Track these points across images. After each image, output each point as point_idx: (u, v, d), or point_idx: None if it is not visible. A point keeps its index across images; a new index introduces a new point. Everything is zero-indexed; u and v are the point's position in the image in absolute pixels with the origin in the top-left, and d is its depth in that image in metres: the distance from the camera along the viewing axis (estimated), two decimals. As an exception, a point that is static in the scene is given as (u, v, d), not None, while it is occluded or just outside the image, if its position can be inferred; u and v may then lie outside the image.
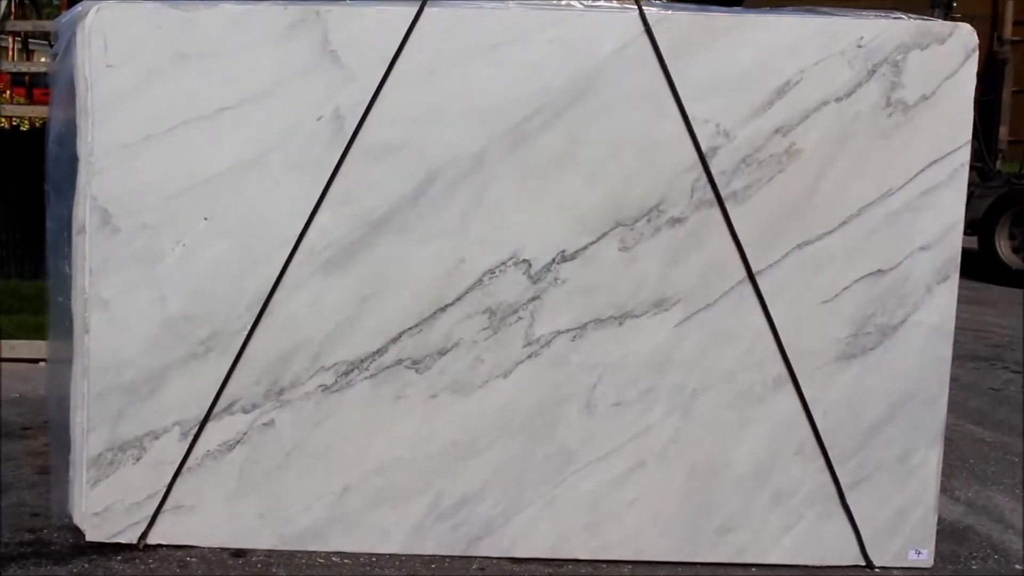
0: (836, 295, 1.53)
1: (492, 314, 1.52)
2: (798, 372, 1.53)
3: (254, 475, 1.52)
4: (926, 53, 1.49)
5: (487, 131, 1.49)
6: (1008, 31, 5.48)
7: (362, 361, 1.52)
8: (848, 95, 1.49)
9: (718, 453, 1.54)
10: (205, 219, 1.49)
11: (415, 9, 1.46)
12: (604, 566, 1.55)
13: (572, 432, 1.54)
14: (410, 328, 1.52)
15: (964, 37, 1.50)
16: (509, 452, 1.54)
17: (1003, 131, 5.41)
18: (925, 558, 1.57)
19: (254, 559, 1.52)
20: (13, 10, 4.74)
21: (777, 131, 1.49)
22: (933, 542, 1.58)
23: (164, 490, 1.51)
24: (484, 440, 1.54)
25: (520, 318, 1.52)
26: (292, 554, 1.53)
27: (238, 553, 1.53)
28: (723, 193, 1.50)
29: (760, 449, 1.54)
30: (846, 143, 1.50)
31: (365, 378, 1.52)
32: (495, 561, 1.54)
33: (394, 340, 1.52)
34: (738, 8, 1.58)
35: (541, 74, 1.47)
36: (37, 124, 4.00)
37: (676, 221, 1.51)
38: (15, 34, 4.94)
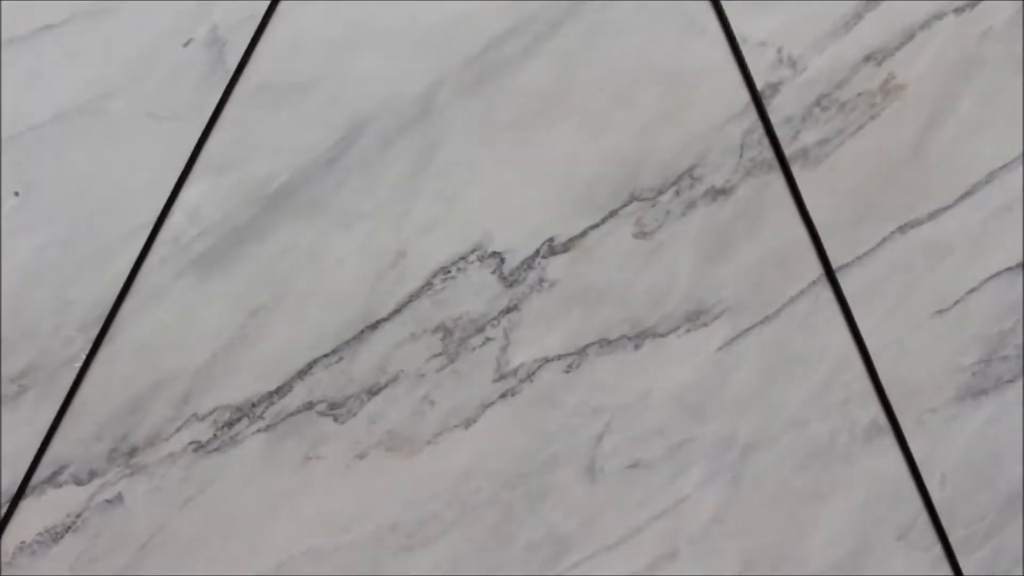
0: (956, 301, 1.19)
1: (447, 333, 1.16)
2: (901, 417, 1.19)
3: (93, 577, 1.16)
4: (1087, -60, 1.16)
5: (438, 61, 1.13)
6: None
7: (254, 406, 1.15)
8: (972, 5, 1.16)
9: (784, 538, 1.21)
10: (16, 194, 1.12)
11: None
12: None
13: (567, 508, 1.19)
14: (325, 356, 1.15)
15: None
16: (473, 539, 1.18)
17: None
18: None
19: None
20: None
21: (868, 58, 1.15)
22: (1100, 668, 1.21)
23: (-43, 602, 1.13)
24: (437, 522, 1.18)
25: (489, 339, 1.16)
26: None
27: None
28: (788, 151, 1.15)
29: (846, 532, 1.21)
30: (970, 76, 1.16)
31: (259, 431, 1.15)
32: None
33: (301, 374, 1.15)
34: None
35: (517, -26, 1.12)
36: None
37: (719, 193, 1.16)
38: None
